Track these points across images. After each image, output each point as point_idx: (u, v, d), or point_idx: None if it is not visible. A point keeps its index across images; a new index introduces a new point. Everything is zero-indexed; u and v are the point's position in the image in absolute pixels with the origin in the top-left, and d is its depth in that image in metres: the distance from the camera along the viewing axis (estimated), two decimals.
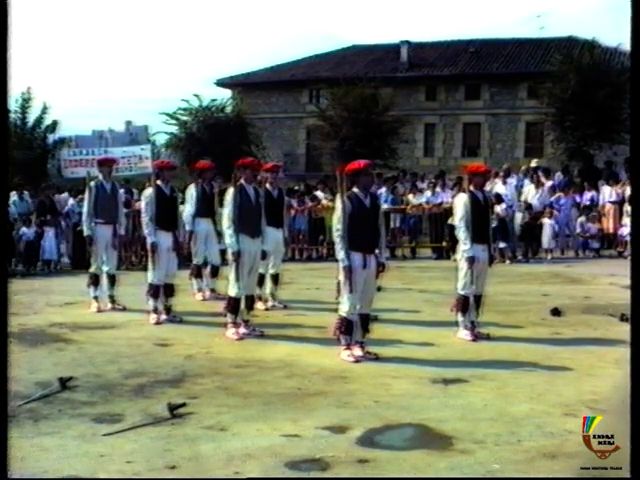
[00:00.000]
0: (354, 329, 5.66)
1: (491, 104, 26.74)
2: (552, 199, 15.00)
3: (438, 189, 15.32)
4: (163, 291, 7.46)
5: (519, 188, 15.41)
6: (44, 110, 19.73)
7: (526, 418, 4.22)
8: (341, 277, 5.62)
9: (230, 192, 6.60)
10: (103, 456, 3.64)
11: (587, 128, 18.89)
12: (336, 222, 5.67)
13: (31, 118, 19.66)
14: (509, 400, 4.60)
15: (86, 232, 8.18)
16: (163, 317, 7.41)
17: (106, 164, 8.52)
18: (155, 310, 7.38)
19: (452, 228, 14.11)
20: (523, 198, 14.90)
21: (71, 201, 14.12)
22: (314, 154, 26.68)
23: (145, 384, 4.98)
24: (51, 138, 19.78)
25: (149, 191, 7.58)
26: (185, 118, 22.43)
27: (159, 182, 7.59)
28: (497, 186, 15.00)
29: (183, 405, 4.34)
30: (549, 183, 15.74)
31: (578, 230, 14.63)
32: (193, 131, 21.93)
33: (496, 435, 3.91)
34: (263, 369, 5.41)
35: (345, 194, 5.67)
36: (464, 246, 6.38)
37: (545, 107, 20.75)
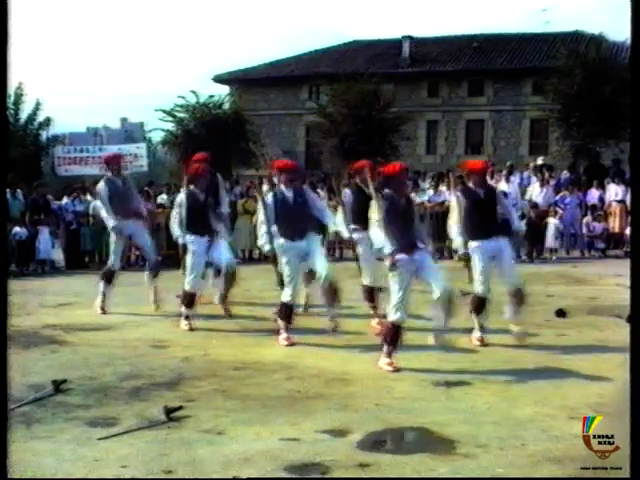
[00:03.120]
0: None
1: (495, 100, 26.59)
2: (557, 198, 14.90)
3: (441, 187, 15.23)
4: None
5: (524, 186, 15.31)
6: (37, 107, 19.59)
7: (531, 421, 4.17)
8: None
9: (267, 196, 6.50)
10: (98, 460, 3.60)
11: (593, 125, 18.74)
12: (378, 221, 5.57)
13: (23, 115, 19.52)
14: (513, 403, 4.55)
15: (111, 225, 8.01)
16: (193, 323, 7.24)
17: (114, 161, 8.41)
18: (187, 317, 7.18)
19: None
20: (528, 197, 14.80)
21: (65, 199, 13.99)
22: (314, 151, 26.57)
23: (141, 387, 4.93)
24: (44, 135, 19.64)
25: (181, 196, 7.45)
26: (182, 115, 22.24)
27: (192, 187, 7.41)
28: (500, 184, 14.89)
29: (180, 408, 4.28)
30: (554, 181, 15.65)
31: (584, 230, 14.52)
32: (190, 128, 21.76)
33: (500, 439, 3.86)
34: (262, 371, 5.36)
35: (380, 193, 5.66)
36: (455, 243, 6.28)
37: (550, 103, 20.57)
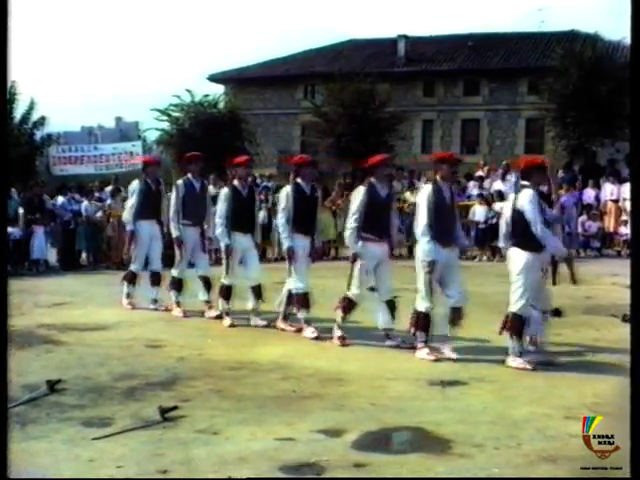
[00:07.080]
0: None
1: (490, 100, 26.59)
2: (553, 197, 14.88)
3: None
4: (253, 293, 7.17)
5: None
6: (31, 106, 19.44)
7: (526, 421, 4.16)
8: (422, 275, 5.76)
9: (359, 191, 6.31)
10: (93, 461, 3.58)
11: (589, 124, 18.74)
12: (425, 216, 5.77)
13: (18, 114, 19.37)
14: (509, 403, 4.54)
15: (175, 233, 7.67)
16: (228, 320, 7.19)
17: (196, 160, 7.90)
18: (227, 313, 7.22)
19: None
20: None
21: (61, 199, 13.91)
22: (309, 151, 26.37)
23: (136, 387, 4.90)
24: (39, 134, 19.49)
25: (225, 190, 7.27)
26: (177, 114, 22.20)
27: (240, 181, 7.29)
28: (496, 183, 14.94)
29: (175, 408, 4.26)
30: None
31: (579, 229, 14.52)
32: (185, 127, 21.71)
33: (496, 439, 3.85)
34: (257, 371, 5.33)
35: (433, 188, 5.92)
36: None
37: (546, 103, 20.58)
